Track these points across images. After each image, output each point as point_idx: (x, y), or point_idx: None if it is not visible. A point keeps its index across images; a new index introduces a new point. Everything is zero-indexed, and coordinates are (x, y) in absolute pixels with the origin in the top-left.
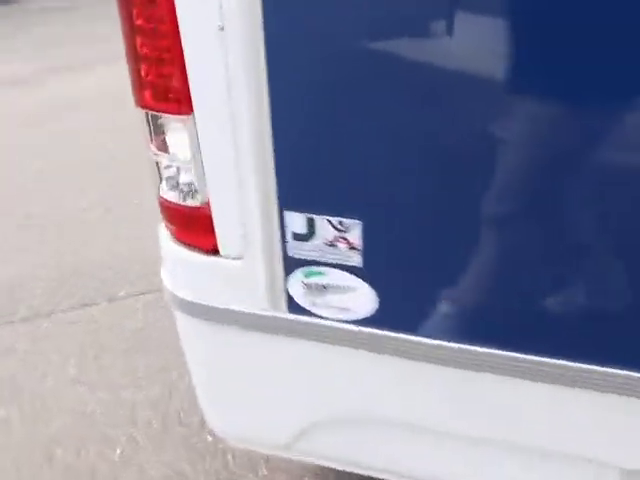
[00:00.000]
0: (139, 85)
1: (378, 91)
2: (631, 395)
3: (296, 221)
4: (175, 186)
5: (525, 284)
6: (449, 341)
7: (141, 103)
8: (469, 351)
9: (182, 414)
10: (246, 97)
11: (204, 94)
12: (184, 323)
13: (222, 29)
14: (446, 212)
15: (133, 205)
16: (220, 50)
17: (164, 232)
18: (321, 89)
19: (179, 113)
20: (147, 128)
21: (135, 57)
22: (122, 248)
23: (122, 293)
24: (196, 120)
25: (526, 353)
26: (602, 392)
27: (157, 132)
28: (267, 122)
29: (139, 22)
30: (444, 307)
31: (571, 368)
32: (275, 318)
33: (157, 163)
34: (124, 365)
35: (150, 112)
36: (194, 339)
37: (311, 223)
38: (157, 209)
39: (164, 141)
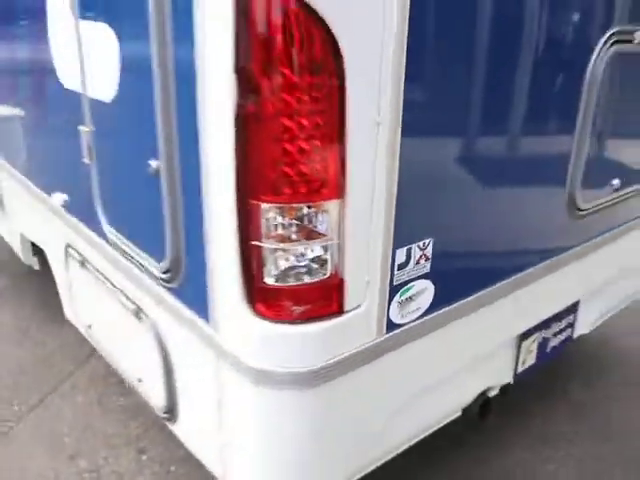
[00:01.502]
0: (283, 180)
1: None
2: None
3: (401, 255)
4: (295, 267)
5: None
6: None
7: (285, 197)
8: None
9: None
10: (385, 179)
11: (357, 179)
12: (302, 397)
13: (379, 124)
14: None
15: None
16: (374, 143)
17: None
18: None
19: (335, 198)
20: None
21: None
22: None
23: None
24: (346, 201)
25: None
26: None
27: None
28: (394, 200)
29: (303, 120)
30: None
31: None
32: (386, 342)
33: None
34: None
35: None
36: (314, 407)
37: (409, 252)
38: None
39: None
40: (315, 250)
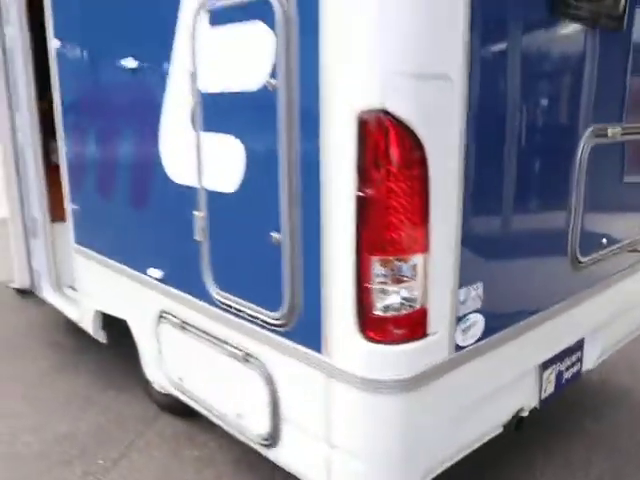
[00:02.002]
0: (389, 241)
1: None
2: None
3: (462, 293)
4: (394, 303)
5: None
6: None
7: (389, 252)
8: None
9: None
10: (453, 240)
11: (436, 240)
12: (390, 401)
13: (448, 205)
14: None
15: None
16: (452, 211)
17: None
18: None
19: (423, 251)
20: (381, 270)
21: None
22: None
23: None
24: (428, 255)
25: None
26: None
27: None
28: (459, 254)
29: (401, 200)
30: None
31: None
32: (454, 360)
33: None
34: None
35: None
36: (404, 411)
37: (467, 291)
38: None
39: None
40: (408, 290)
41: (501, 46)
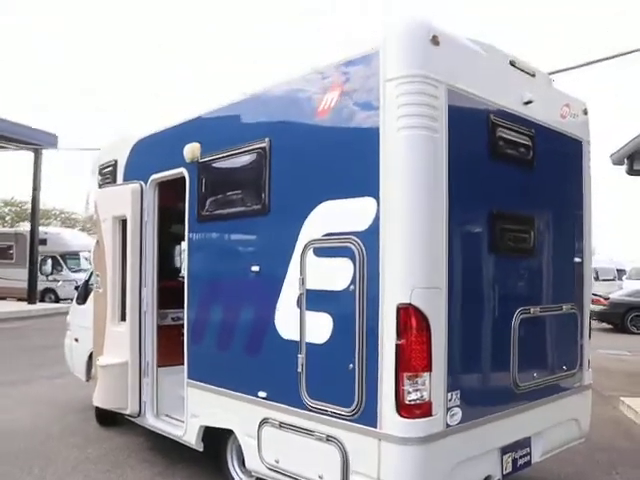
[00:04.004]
0: (412, 366)
1: None
2: None
3: (449, 396)
4: (415, 398)
5: None
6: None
7: (412, 371)
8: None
9: None
10: (444, 366)
11: (435, 366)
12: (414, 452)
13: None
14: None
15: None
16: (442, 353)
17: (399, 421)
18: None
19: (429, 371)
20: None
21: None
22: None
23: None
24: (432, 374)
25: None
26: None
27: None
28: (447, 371)
29: (417, 347)
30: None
31: None
32: (445, 431)
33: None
34: None
35: (410, 373)
36: (423, 459)
37: (452, 395)
38: None
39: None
40: (420, 392)
41: (466, 274)
